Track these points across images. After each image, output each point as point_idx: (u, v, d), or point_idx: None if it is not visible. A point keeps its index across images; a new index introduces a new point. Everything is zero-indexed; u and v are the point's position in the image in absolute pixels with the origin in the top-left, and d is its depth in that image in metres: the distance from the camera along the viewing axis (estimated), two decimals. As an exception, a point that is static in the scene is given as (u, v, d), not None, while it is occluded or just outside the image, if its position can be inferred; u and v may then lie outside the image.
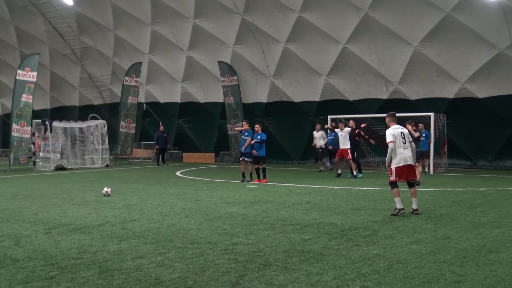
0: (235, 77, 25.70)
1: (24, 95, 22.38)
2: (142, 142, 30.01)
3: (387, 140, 9.26)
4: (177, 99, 28.85)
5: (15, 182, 16.62)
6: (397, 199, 9.08)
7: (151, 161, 28.57)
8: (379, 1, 19.62)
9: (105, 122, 25.56)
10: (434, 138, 19.38)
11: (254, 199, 11.43)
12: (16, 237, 7.32)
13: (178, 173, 19.77)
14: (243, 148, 15.88)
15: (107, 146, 25.19)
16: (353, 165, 17.23)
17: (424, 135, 19.09)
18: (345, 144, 17.28)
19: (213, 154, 27.66)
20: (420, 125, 19.19)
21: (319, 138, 20.69)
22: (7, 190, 13.88)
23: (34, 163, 23.35)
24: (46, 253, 6.29)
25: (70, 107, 34.42)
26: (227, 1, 22.83)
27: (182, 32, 25.62)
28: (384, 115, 21.01)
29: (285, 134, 25.45)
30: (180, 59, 26.93)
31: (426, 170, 19.28)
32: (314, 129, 21.15)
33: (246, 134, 15.87)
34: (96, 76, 32.02)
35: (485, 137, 20.62)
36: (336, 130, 18.47)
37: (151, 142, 28.13)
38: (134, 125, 28.20)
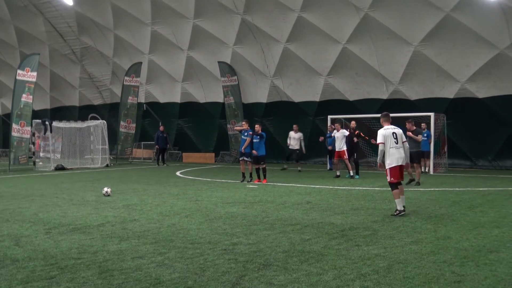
0: (235, 77, 25.70)
1: (24, 95, 22.38)
2: (142, 142, 30.01)
3: (378, 141, 9.31)
4: (177, 99, 28.85)
5: (15, 182, 16.62)
6: (397, 200, 9.05)
7: (151, 161, 28.57)
8: (379, 1, 19.62)
9: (105, 122, 25.57)
10: (434, 138, 19.38)
11: (254, 199, 11.44)
12: (16, 237, 7.32)
13: (178, 173, 19.77)
14: (242, 148, 15.88)
15: (107, 146, 25.19)
16: (350, 165, 17.26)
17: (425, 135, 19.09)
18: (340, 145, 17.37)
19: (213, 154, 27.66)
20: (423, 125, 19.22)
21: (296, 139, 20.61)
22: (7, 190, 13.88)
23: (34, 163, 23.35)
24: (46, 253, 6.29)
25: (70, 107, 34.42)
26: (227, 1, 22.84)
27: (182, 32, 25.62)
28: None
29: (285, 134, 25.36)
30: (180, 59, 26.94)
31: (427, 170, 19.29)
32: (292, 130, 20.99)
33: (246, 134, 15.87)
34: (96, 76, 32.02)
35: (485, 137, 20.61)
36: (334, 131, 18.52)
37: (151, 142, 28.13)
38: (134, 125, 28.20)
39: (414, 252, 6.20)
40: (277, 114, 25.45)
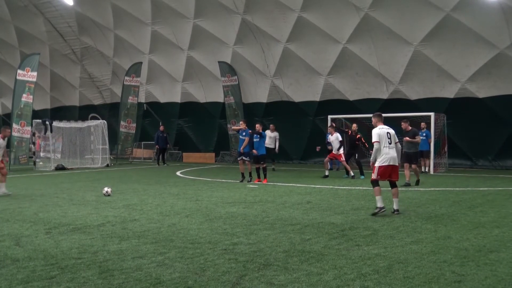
0: (235, 77, 25.70)
1: (24, 95, 22.39)
2: (142, 142, 30.01)
3: (373, 140, 9.33)
4: (177, 99, 28.86)
5: (15, 182, 16.61)
6: (378, 198, 9.08)
7: (151, 161, 28.58)
8: (379, 1, 19.62)
9: (105, 122, 25.57)
10: (434, 138, 19.39)
11: (254, 199, 11.44)
12: (17, 237, 7.33)
13: (178, 173, 19.77)
14: (241, 148, 15.88)
15: (107, 146, 25.19)
16: (348, 167, 17.34)
17: (424, 134, 19.10)
18: (335, 148, 17.40)
19: (213, 154, 27.67)
20: (422, 124, 19.22)
21: (271, 138, 20.71)
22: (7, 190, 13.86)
23: (35, 163, 23.34)
24: (47, 253, 6.29)
25: (70, 107, 34.43)
26: (227, 1, 22.84)
27: (182, 32, 25.62)
28: (385, 115, 21.03)
29: (285, 134, 25.42)
30: (180, 59, 26.94)
31: (427, 169, 19.30)
32: (268, 129, 21.11)
33: (244, 134, 15.88)
34: (96, 76, 32.03)
35: (485, 137, 20.62)
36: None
37: (151, 142, 28.13)
38: (134, 125, 28.21)
39: (415, 252, 6.20)
40: (277, 114, 25.45)
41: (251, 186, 14.61)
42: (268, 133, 20.68)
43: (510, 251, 6.24)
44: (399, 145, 9.49)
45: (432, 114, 19.35)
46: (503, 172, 19.02)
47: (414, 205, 10.34)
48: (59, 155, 24.47)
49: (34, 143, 24.56)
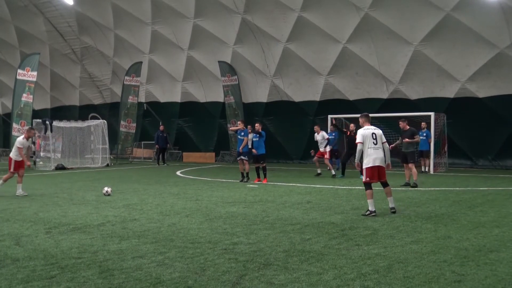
0: (235, 77, 25.71)
1: (24, 95, 22.41)
2: (142, 142, 30.02)
3: (356, 141, 9.31)
4: (177, 98, 28.86)
5: (15, 181, 16.60)
6: (369, 201, 9.02)
7: (151, 160, 28.58)
8: (379, 1, 19.62)
9: (105, 121, 25.58)
10: (435, 138, 19.39)
11: (254, 199, 11.44)
12: (17, 236, 7.33)
13: (178, 173, 19.77)
14: (240, 147, 15.89)
15: (107, 146, 25.21)
16: (330, 165, 17.66)
17: (425, 134, 19.11)
18: (322, 146, 17.78)
19: (213, 154, 27.68)
20: (423, 124, 19.22)
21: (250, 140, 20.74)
22: (7, 190, 13.86)
23: (35, 163, 23.33)
24: (47, 252, 6.29)
25: (71, 107, 34.45)
26: (227, 1, 22.84)
27: (182, 32, 25.62)
28: (385, 114, 21.15)
29: (285, 133, 25.48)
30: (180, 58, 26.94)
31: (427, 169, 19.30)
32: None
33: (242, 134, 15.89)
34: (97, 75, 32.03)
35: (485, 136, 20.62)
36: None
37: (151, 142, 28.14)
38: (134, 124, 28.22)
39: (414, 252, 6.20)
40: (278, 114, 25.46)
41: (251, 186, 14.60)
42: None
43: (510, 251, 6.24)
44: (386, 145, 9.41)
45: (432, 114, 19.34)
46: (503, 172, 19.02)
47: (414, 205, 10.33)
48: (59, 155, 24.48)
49: (34, 143, 24.54)
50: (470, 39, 19.11)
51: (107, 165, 24.47)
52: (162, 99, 29.64)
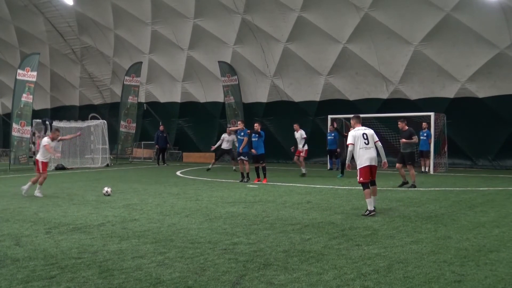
0: (235, 77, 25.70)
1: (24, 95, 22.38)
2: (142, 142, 30.02)
3: (347, 142, 9.42)
4: (177, 98, 28.86)
5: (16, 182, 16.61)
6: (368, 200, 9.08)
7: (151, 160, 28.58)
8: (379, 1, 19.62)
9: (105, 121, 25.58)
10: (435, 138, 19.39)
11: (254, 199, 11.44)
12: (17, 236, 7.33)
13: (178, 173, 19.77)
14: (240, 148, 15.90)
15: (107, 146, 25.20)
16: (303, 163, 18.07)
17: (425, 134, 19.13)
18: (300, 145, 18.24)
19: (213, 154, 27.60)
20: (424, 124, 19.23)
21: (230, 142, 21.02)
22: (7, 190, 13.88)
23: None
24: (47, 252, 6.29)
25: (71, 107, 34.44)
26: (227, 1, 22.83)
27: (182, 32, 25.62)
28: (385, 114, 21.16)
29: (285, 133, 25.40)
30: (180, 58, 26.95)
31: (427, 169, 19.30)
32: (225, 132, 21.33)
33: (242, 134, 15.91)
34: (97, 75, 32.03)
35: (485, 137, 20.62)
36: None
37: (151, 142, 28.13)
38: (134, 124, 28.21)
39: (414, 252, 6.20)
40: (278, 114, 25.46)
41: (251, 186, 14.60)
42: (225, 137, 21.04)
43: (510, 251, 6.24)
44: (379, 144, 9.48)
45: (432, 114, 19.34)
46: (503, 172, 19.02)
47: (414, 205, 10.34)
48: (59, 155, 24.44)
49: (34, 143, 24.57)
50: (470, 39, 19.11)
51: (107, 165, 24.47)
52: (162, 99, 29.64)
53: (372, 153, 9.24)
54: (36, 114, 28.28)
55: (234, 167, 21.10)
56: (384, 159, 9.63)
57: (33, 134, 24.11)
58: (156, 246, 6.59)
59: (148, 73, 28.71)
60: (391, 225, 8.05)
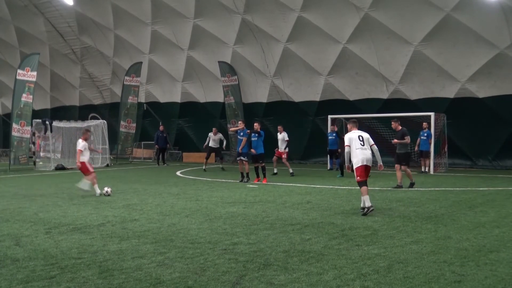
0: (235, 77, 25.70)
1: (24, 95, 22.39)
2: (142, 142, 30.02)
3: (345, 144, 9.88)
4: (177, 99, 28.86)
5: (16, 182, 16.62)
6: (365, 197, 9.32)
7: (151, 161, 28.58)
8: (379, 1, 19.61)
9: (105, 122, 25.58)
10: (435, 138, 19.39)
11: (254, 199, 11.44)
12: (17, 236, 7.33)
13: (178, 173, 19.77)
14: (240, 148, 15.92)
15: (107, 146, 25.20)
16: (288, 164, 18.59)
17: (426, 134, 19.14)
18: (282, 147, 18.81)
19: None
20: (424, 124, 19.23)
21: (216, 141, 21.90)
22: (7, 190, 13.89)
23: (35, 163, 23.36)
24: (47, 252, 6.29)
25: (70, 107, 34.44)
26: (227, 1, 22.83)
27: (182, 32, 25.62)
28: (385, 114, 21.16)
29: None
30: (180, 59, 26.94)
31: (427, 169, 19.30)
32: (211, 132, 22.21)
33: (242, 134, 15.92)
34: (96, 76, 32.02)
35: (485, 137, 20.61)
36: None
37: (151, 142, 28.13)
38: (134, 125, 28.22)
39: (414, 252, 6.20)
40: (278, 114, 25.44)
41: (251, 186, 14.60)
42: (211, 136, 21.89)
43: (510, 251, 6.24)
44: (375, 147, 9.83)
45: (432, 114, 19.34)
46: (503, 172, 19.02)
47: (414, 205, 10.34)
48: (59, 155, 24.48)
49: (34, 143, 24.57)
50: (470, 39, 19.11)
51: (107, 165, 24.47)
52: (162, 99, 29.63)
53: (367, 153, 9.61)
54: (36, 114, 28.29)
55: (221, 166, 21.88)
56: (380, 162, 10.02)
57: (33, 134, 24.11)
58: (156, 246, 6.59)
59: (148, 73, 28.71)
60: (391, 225, 8.05)
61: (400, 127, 13.72)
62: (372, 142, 9.81)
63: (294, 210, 9.74)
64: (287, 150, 18.98)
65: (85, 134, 13.39)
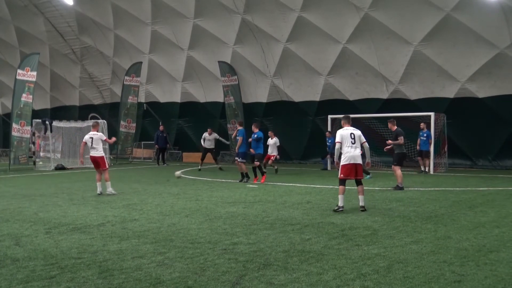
0: (235, 77, 25.70)
1: (24, 95, 22.39)
2: (142, 142, 30.02)
3: (335, 140, 9.91)
4: (177, 98, 28.86)
5: (15, 181, 16.62)
6: (340, 196, 9.52)
7: (151, 160, 28.58)
8: (379, 1, 19.61)
9: (105, 121, 25.56)
10: (435, 138, 19.40)
11: (254, 199, 11.44)
12: (16, 236, 7.33)
13: (178, 173, 19.74)
14: (236, 148, 16.12)
15: (107, 146, 25.16)
16: (271, 164, 18.93)
17: (425, 135, 19.17)
18: (273, 151, 19.17)
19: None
20: (422, 125, 19.25)
21: (210, 141, 21.98)
22: (7, 190, 13.89)
23: (34, 163, 23.35)
24: (46, 252, 6.29)
25: (70, 107, 34.44)
26: (227, 1, 22.83)
27: (182, 32, 25.62)
28: (385, 114, 21.20)
29: (285, 134, 25.41)
30: (180, 58, 26.94)
31: (427, 169, 19.31)
32: (206, 132, 22.14)
33: (238, 134, 16.05)
34: (96, 75, 32.03)
35: (485, 137, 20.61)
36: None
37: (151, 142, 28.14)
38: (134, 124, 28.22)
39: (414, 252, 6.20)
40: (277, 114, 25.46)
41: (251, 186, 14.61)
42: (206, 136, 21.92)
43: (510, 251, 6.24)
44: (366, 145, 9.89)
45: (432, 114, 19.35)
46: (503, 172, 19.02)
47: (414, 205, 10.33)
48: (59, 155, 24.48)
49: (34, 143, 24.57)
50: (470, 39, 19.10)
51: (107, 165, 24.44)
52: (162, 99, 29.63)
53: (357, 152, 9.69)
54: (36, 114, 28.30)
55: (219, 166, 22.01)
56: (369, 160, 10.12)
57: (33, 134, 24.11)
58: (156, 246, 6.59)
59: (148, 73, 28.71)
60: (391, 225, 8.05)
61: (395, 127, 13.45)
62: (363, 139, 9.85)
63: (294, 210, 9.74)
64: (276, 154, 19.27)
65: (96, 126, 13.59)
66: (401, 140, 13.17)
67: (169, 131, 28.80)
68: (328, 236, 7.21)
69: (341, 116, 10.42)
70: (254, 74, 25.44)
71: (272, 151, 19.18)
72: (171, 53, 27.00)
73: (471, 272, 5.32)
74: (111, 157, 26.38)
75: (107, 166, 12.89)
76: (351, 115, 20.45)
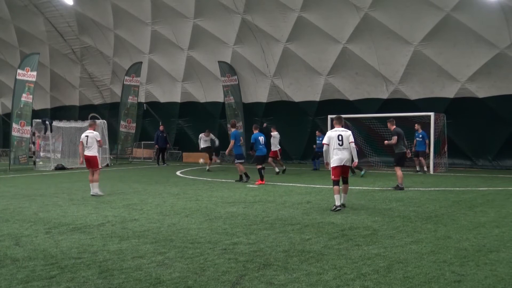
0: (235, 77, 25.70)
1: (24, 95, 22.39)
2: (142, 142, 30.02)
3: (322, 141, 10.13)
4: (177, 98, 28.86)
5: (15, 181, 16.62)
6: (336, 196, 9.68)
7: (151, 160, 28.58)
8: (379, 1, 19.60)
9: (105, 121, 25.57)
10: (434, 138, 19.41)
11: (254, 199, 11.44)
12: (16, 236, 7.33)
13: (178, 173, 19.77)
14: (227, 151, 16.36)
15: (107, 146, 25.19)
16: (274, 164, 19.20)
17: (421, 135, 19.27)
18: (275, 147, 19.51)
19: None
20: (416, 126, 19.31)
21: (207, 141, 22.34)
22: (7, 190, 13.89)
23: (34, 163, 23.35)
24: (46, 252, 6.29)
25: (70, 107, 34.44)
26: (227, 1, 22.82)
27: (182, 32, 25.61)
28: (385, 114, 21.21)
29: (285, 133, 25.38)
30: (180, 59, 26.94)
31: (425, 169, 19.32)
32: (204, 133, 22.39)
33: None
34: (96, 75, 32.02)
35: (485, 136, 20.61)
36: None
37: (151, 142, 28.15)
38: (134, 124, 28.22)
39: (414, 252, 6.20)
40: (277, 114, 25.45)
41: (251, 186, 14.60)
42: (203, 136, 22.15)
43: (510, 251, 6.24)
44: (353, 145, 9.94)
45: (432, 114, 19.35)
46: (503, 172, 19.02)
47: (414, 205, 10.34)
48: (59, 155, 24.47)
49: (34, 143, 24.56)
50: (470, 39, 19.10)
51: (107, 165, 24.45)
52: (162, 99, 29.63)
53: (345, 154, 9.84)
54: (36, 114, 28.29)
55: (218, 161, 22.30)
56: (356, 159, 10.16)
57: (33, 134, 24.11)
58: (156, 246, 6.59)
59: (148, 73, 28.71)
60: (391, 225, 8.05)
61: (393, 127, 13.37)
62: (351, 139, 9.91)
63: (294, 210, 9.74)
64: (277, 148, 19.54)
65: (93, 125, 13.66)
66: (394, 139, 13.08)
67: (169, 131, 28.80)
68: (328, 236, 7.21)
69: (333, 116, 10.49)
70: (254, 74, 25.44)
71: (276, 143, 19.51)
72: (171, 53, 27.00)
73: (471, 272, 5.32)
74: (111, 157, 26.39)
75: (99, 167, 12.84)
76: (351, 115, 20.55)
